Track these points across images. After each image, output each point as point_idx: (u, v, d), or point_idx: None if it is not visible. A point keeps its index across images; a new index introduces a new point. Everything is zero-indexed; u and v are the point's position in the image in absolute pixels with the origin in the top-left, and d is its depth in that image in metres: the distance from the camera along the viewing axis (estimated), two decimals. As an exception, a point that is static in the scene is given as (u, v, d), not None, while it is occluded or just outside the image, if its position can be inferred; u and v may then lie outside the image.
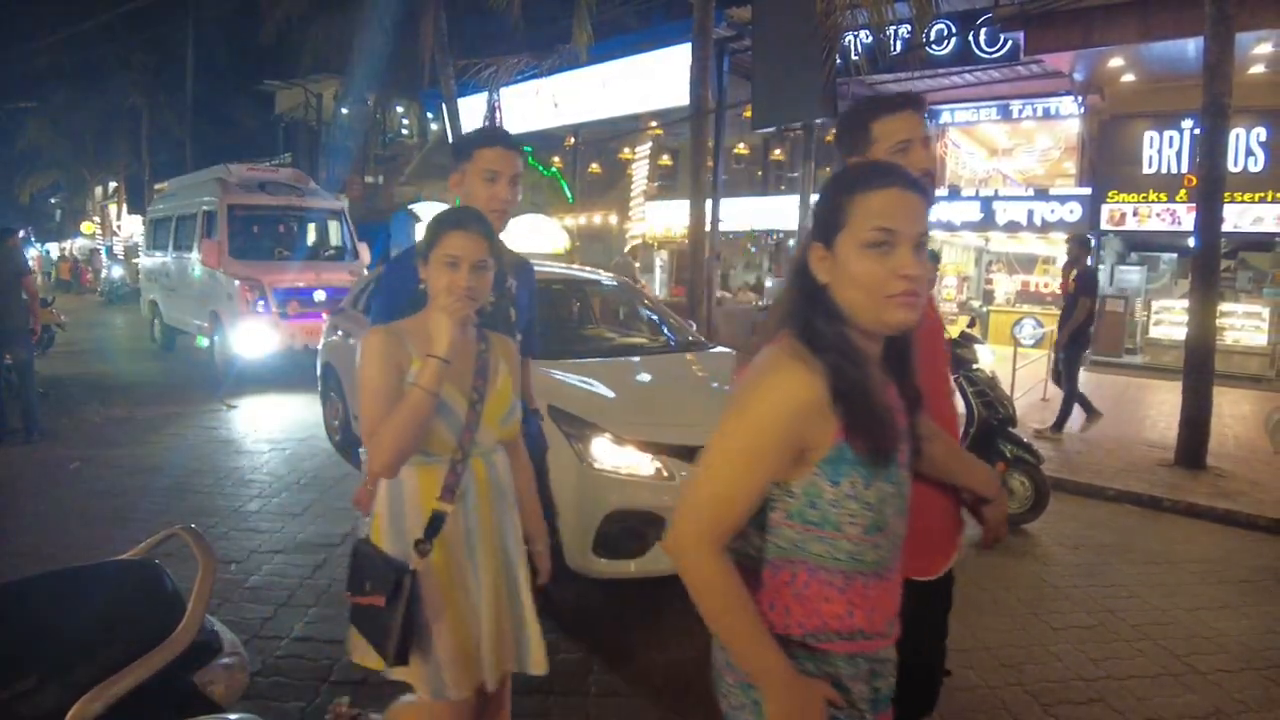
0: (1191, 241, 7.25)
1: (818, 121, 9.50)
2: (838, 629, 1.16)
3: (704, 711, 2.79)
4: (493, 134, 2.09)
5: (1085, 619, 3.64)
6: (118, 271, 23.00)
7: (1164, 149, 11.71)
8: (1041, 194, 12.75)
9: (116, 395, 8.25)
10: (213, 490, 5.13)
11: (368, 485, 1.84)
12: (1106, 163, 12.30)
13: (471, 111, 13.63)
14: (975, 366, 4.93)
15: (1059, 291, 8.15)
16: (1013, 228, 12.73)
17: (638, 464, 3.35)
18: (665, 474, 3.34)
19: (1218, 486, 5.73)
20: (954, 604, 1.78)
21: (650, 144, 16.33)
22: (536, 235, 11.57)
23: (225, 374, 8.66)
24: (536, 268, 2.50)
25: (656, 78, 12.58)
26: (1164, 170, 11.69)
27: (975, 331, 6.20)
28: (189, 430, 6.80)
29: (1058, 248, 12.39)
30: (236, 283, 8.75)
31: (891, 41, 10.05)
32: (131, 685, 1.36)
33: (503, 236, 2.02)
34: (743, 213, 15.55)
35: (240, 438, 6.61)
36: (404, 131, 22.65)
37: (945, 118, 13.98)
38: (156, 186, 21.36)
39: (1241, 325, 11.19)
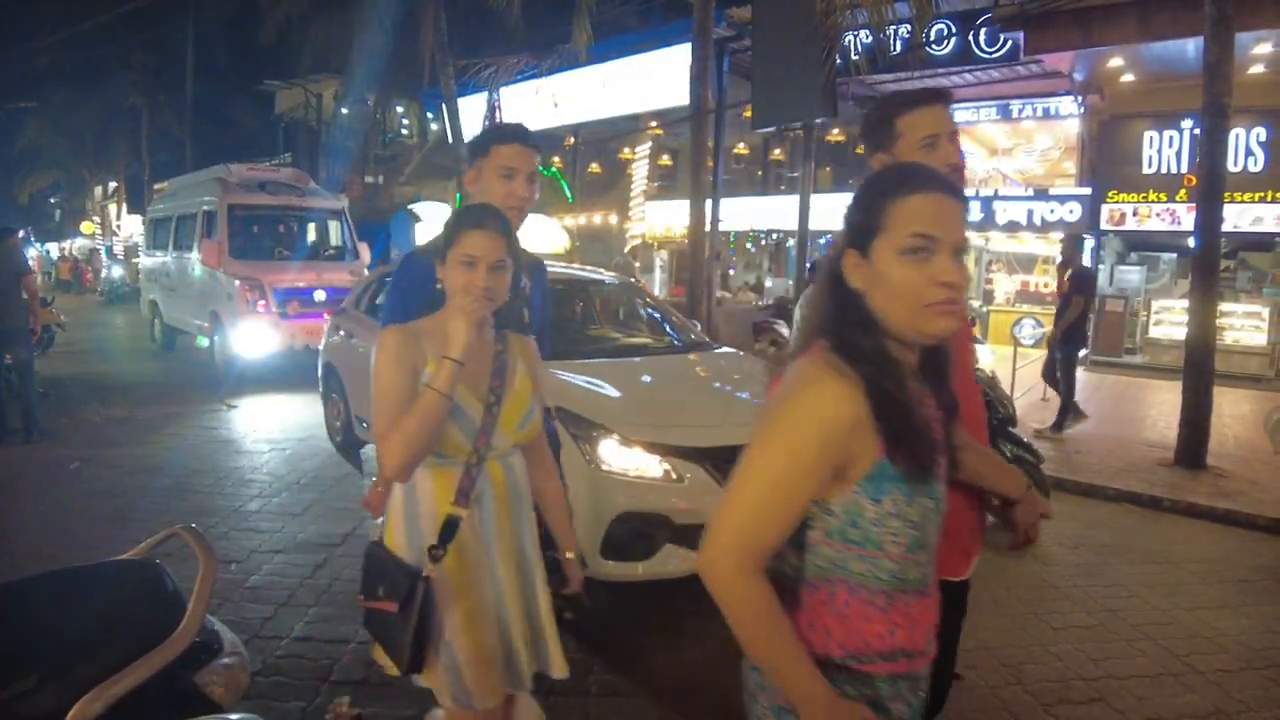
0: (1191, 241, 7.25)
1: (818, 121, 9.50)
2: (880, 649, 1.12)
3: (704, 712, 2.80)
4: (510, 130, 2.03)
5: (1085, 619, 3.64)
6: (118, 271, 23.01)
7: (1164, 149, 11.71)
8: (1041, 194, 12.75)
9: (116, 395, 8.25)
10: (213, 490, 5.13)
11: (378, 487, 1.81)
12: (1106, 163, 12.29)
13: (471, 111, 13.64)
14: (975, 366, 4.93)
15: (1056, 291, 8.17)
16: (1012, 227, 12.73)
17: (646, 466, 3.33)
18: (674, 476, 3.32)
19: (1218, 486, 5.73)
20: (954, 603, 1.78)
21: (650, 144, 16.34)
22: (536, 235, 11.57)
23: (225, 374, 8.66)
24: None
25: (656, 78, 12.58)
26: (1164, 170, 11.68)
27: (975, 331, 6.22)
28: (189, 430, 6.80)
29: (1057, 247, 12.39)
30: (237, 283, 8.75)
31: (891, 41, 10.04)
32: (132, 685, 1.36)
33: None
34: (743, 213, 15.55)
35: (240, 438, 6.61)
36: (404, 131, 22.65)
37: (945, 117, 13.95)
38: (156, 186, 21.36)
39: (1241, 325, 11.18)
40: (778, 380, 1.18)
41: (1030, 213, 12.51)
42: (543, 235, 11.89)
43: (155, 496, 4.96)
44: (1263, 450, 6.23)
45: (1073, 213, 12.22)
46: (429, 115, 20.17)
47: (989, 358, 6.28)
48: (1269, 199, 10.87)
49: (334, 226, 10.67)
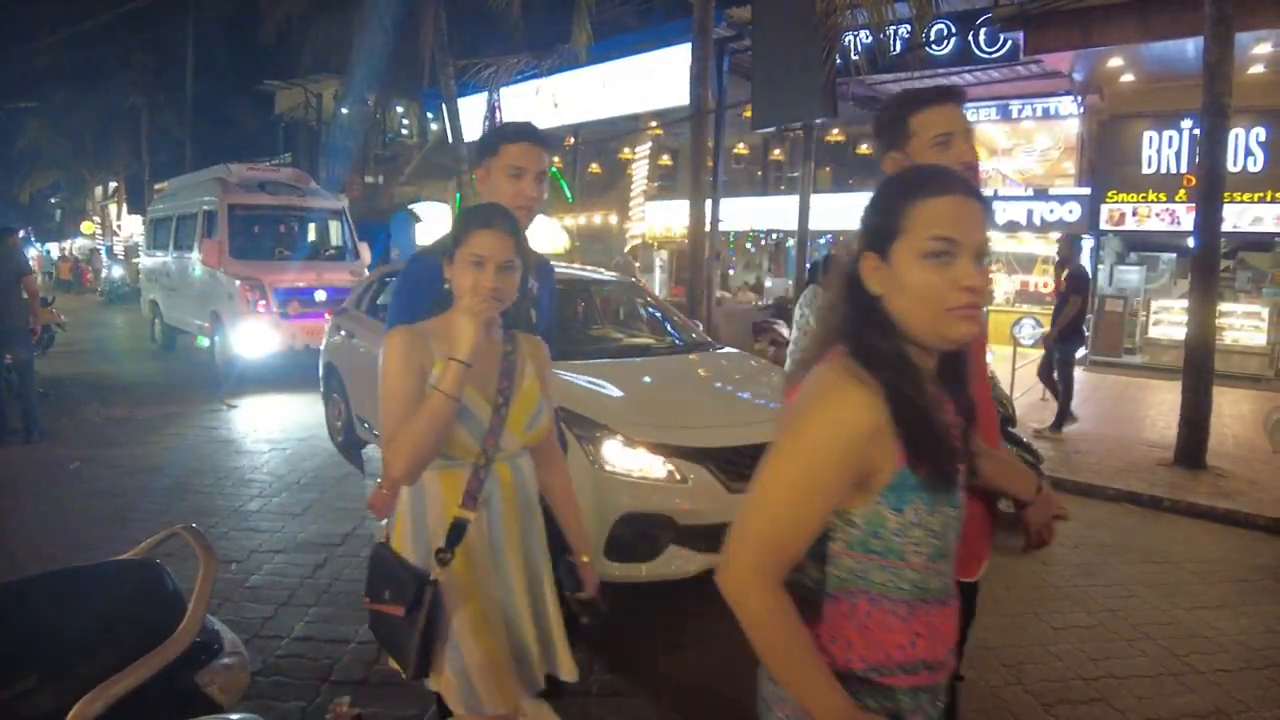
0: (1191, 241, 7.26)
1: (817, 122, 9.49)
2: (901, 661, 1.10)
3: (705, 712, 2.80)
4: (519, 129, 2.00)
5: (1085, 619, 3.64)
6: (118, 271, 23.01)
7: (1163, 149, 11.71)
8: (1041, 194, 12.75)
9: (117, 395, 8.25)
10: (213, 490, 5.13)
11: (383, 489, 1.80)
12: (1106, 163, 12.30)
13: (471, 111, 13.63)
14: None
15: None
16: (1012, 227, 12.73)
17: (649, 466, 3.32)
18: (677, 476, 3.31)
19: (1217, 486, 5.73)
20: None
21: (650, 144, 16.34)
22: (536, 235, 11.56)
23: (226, 374, 8.66)
24: None
25: (656, 78, 12.57)
26: (1163, 170, 11.68)
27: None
28: (189, 430, 6.80)
29: (1055, 247, 12.39)
30: (237, 283, 8.75)
31: (891, 41, 10.04)
32: (132, 685, 1.36)
33: None
34: (743, 213, 15.55)
35: (240, 438, 6.62)
36: (404, 131, 22.65)
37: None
38: (156, 186, 21.37)
39: (1241, 325, 11.18)
40: (795, 388, 1.16)
41: (1030, 213, 12.52)
42: (543, 235, 11.91)
43: (155, 496, 4.96)
44: (1262, 450, 6.23)
45: (1072, 213, 12.22)
46: (429, 115, 20.17)
47: (988, 357, 6.28)
48: (1268, 199, 10.88)
49: (334, 226, 10.67)
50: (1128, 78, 11.62)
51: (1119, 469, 6.12)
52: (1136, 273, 12.84)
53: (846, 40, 8.99)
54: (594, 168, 18.89)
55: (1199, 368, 6.31)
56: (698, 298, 8.95)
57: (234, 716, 1.54)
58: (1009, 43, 10.66)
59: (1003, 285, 15.00)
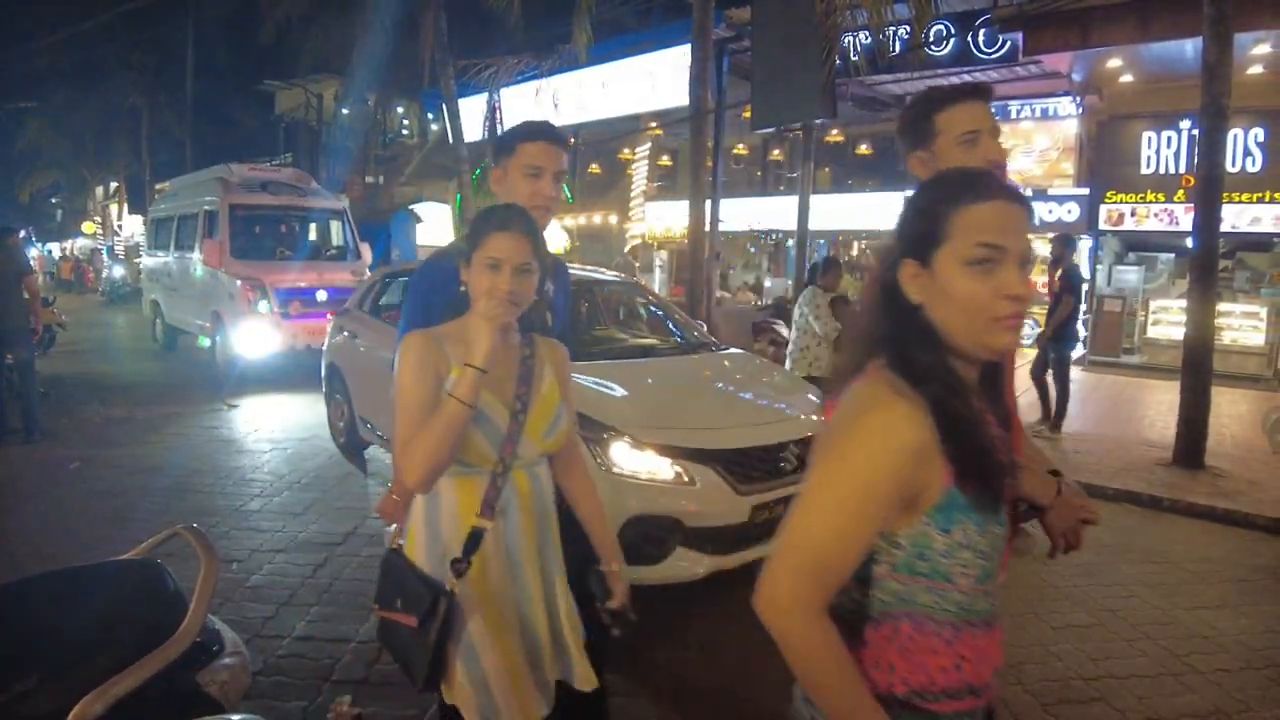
0: (1189, 241, 7.26)
1: (817, 122, 9.50)
2: (945, 685, 1.06)
3: (706, 713, 2.81)
4: (537, 128, 1.96)
5: (1085, 619, 3.64)
6: (119, 271, 23.01)
7: (1162, 149, 11.71)
8: (1040, 194, 12.74)
9: (117, 395, 8.26)
10: (214, 490, 5.13)
11: (394, 495, 1.77)
12: (1104, 163, 12.30)
13: (472, 112, 13.63)
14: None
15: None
16: (1012, 228, 12.73)
17: (657, 468, 3.30)
18: (685, 478, 3.29)
19: (1216, 486, 5.73)
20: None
21: (650, 144, 16.35)
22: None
23: (227, 374, 8.66)
24: None
25: (656, 78, 12.58)
26: (1162, 170, 11.69)
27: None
28: (190, 430, 6.80)
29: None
30: (238, 282, 8.75)
31: (891, 42, 10.03)
32: (133, 686, 1.36)
33: None
34: (742, 213, 15.56)
35: (241, 437, 6.62)
36: (404, 132, 22.64)
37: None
38: (157, 186, 21.38)
39: (1239, 325, 11.18)
40: (832, 404, 1.11)
41: (1029, 213, 12.51)
42: (543, 235, 11.90)
43: (156, 496, 4.96)
44: (1261, 450, 6.24)
45: (1071, 213, 12.23)
46: (429, 115, 20.17)
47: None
48: (1267, 199, 10.88)
49: (335, 226, 10.67)
50: (1127, 78, 11.62)
51: (1118, 469, 6.12)
52: (1135, 273, 12.84)
53: (846, 41, 9.00)
54: (594, 168, 18.89)
55: (1198, 368, 6.32)
56: (697, 298, 8.95)
57: (235, 717, 1.54)
58: (1008, 43, 10.66)
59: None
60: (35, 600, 1.62)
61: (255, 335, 8.66)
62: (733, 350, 4.93)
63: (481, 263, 1.56)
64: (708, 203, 9.40)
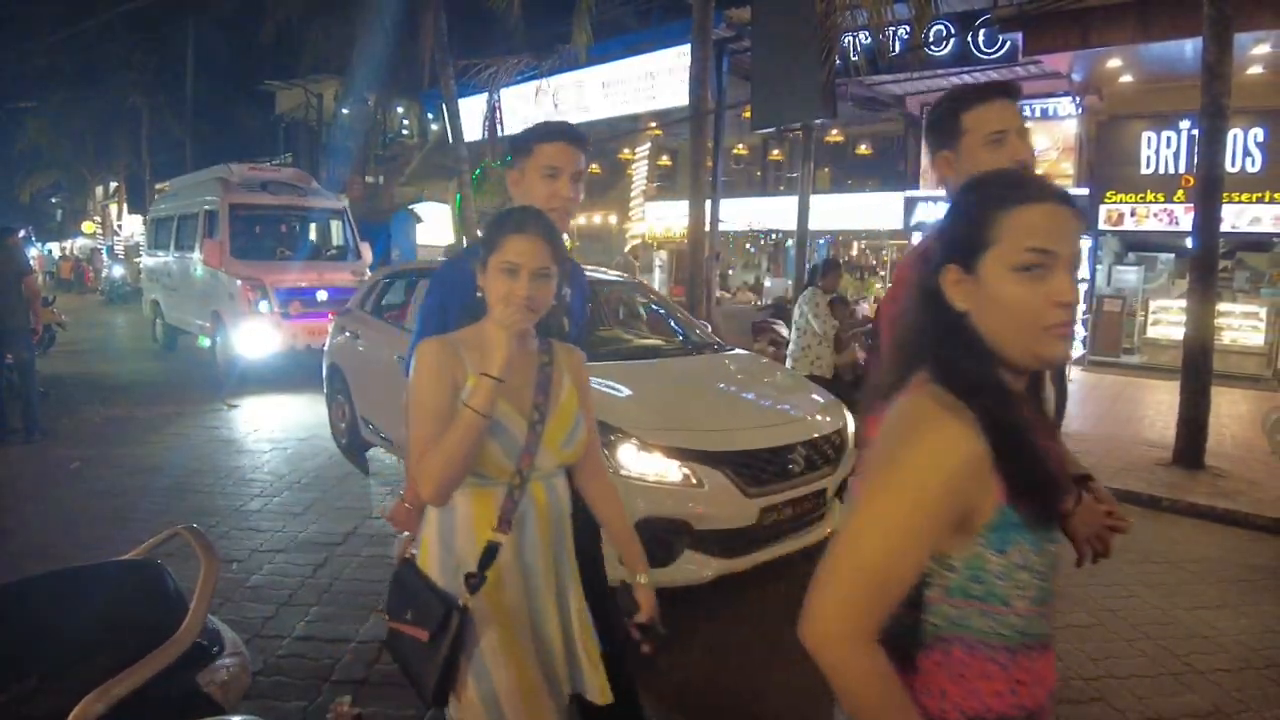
0: (1189, 242, 7.26)
1: (817, 122, 9.50)
2: (1000, 711, 1.02)
3: (706, 714, 2.81)
4: (554, 128, 1.92)
5: (1085, 618, 3.64)
6: (119, 271, 23.04)
7: (1162, 149, 11.72)
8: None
9: (117, 395, 8.26)
10: (214, 490, 5.13)
11: (406, 502, 1.74)
12: (1104, 163, 12.30)
13: (471, 112, 13.64)
14: None
15: None
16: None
17: (665, 470, 3.28)
18: (693, 481, 3.28)
19: (1216, 486, 5.73)
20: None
21: (650, 144, 16.35)
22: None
23: (227, 374, 8.66)
24: None
25: (656, 78, 12.59)
26: (1162, 171, 11.69)
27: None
28: (190, 430, 6.80)
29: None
30: (238, 282, 8.75)
31: (891, 42, 10.04)
32: (134, 686, 1.37)
33: None
34: (742, 213, 15.57)
35: (241, 437, 6.62)
36: (404, 132, 22.65)
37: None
38: (157, 186, 21.37)
39: (1239, 325, 11.19)
40: (875, 420, 1.06)
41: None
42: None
43: (156, 496, 4.96)
44: (1261, 450, 6.24)
45: (1071, 213, 12.22)
46: (429, 115, 20.19)
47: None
48: (1267, 199, 10.89)
49: (335, 226, 10.67)
50: (1126, 78, 11.63)
51: (1118, 469, 6.12)
52: (1135, 273, 12.84)
53: (846, 41, 9.00)
54: (594, 168, 18.88)
55: (1197, 368, 6.32)
56: (697, 298, 8.96)
57: (235, 717, 1.54)
58: (1008, 43, 10.67)
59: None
60: (36, 600, 1.62)
61: (255, 335, 8.67)
62: (738, 351, 4.92)
63: (498, 267, 1.51)
64: (708, 203, 9.41)
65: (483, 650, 1.53)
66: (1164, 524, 5.20)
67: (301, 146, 24.58)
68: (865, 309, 11.00)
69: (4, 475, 5.48)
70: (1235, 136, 10.60)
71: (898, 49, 10.31)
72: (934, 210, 13.35)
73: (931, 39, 10.15)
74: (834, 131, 15.31)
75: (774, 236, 17.09)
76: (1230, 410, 8.51)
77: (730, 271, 18.10)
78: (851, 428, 4.00)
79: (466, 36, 14.13)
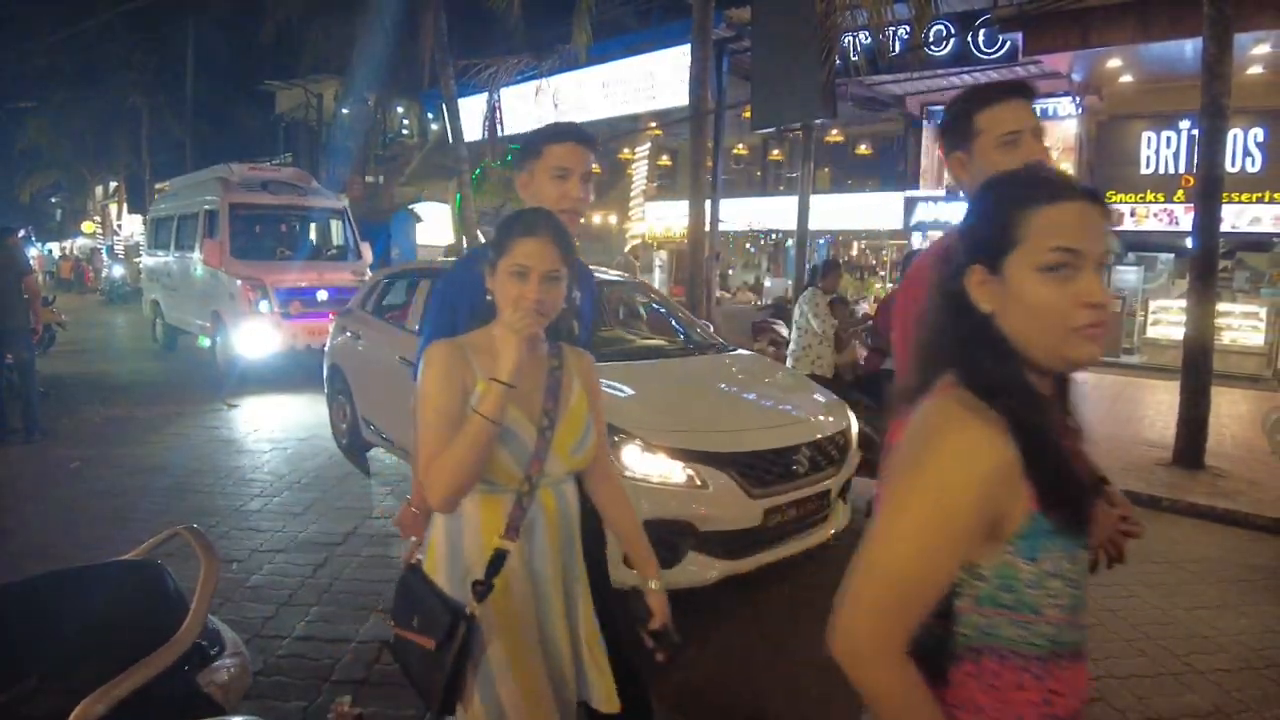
0: (1189, 242, 7.26)
1: (817, 122, 9.50)
2: None
3: (707, 714, 2.80)
4: (563, 129, 1.91)
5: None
6: (119, 271, 23.04)
7: (1161, 149, 11.74)
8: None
9: (117, 395, 8.26)
10: (214, 490, 5.13)
11: (412, 507, 1.73)
12: (1104, 163, 12.32)
13: (471, 112, 13.64)
14: None
15: None
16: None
17: (669, 471, 3.27)
18: (698, 482, 3.27)
19: (1216, 486, 5.73)
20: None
21: (650, 144, 16.35)
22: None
23: (227, 374, 8.66)
24: None
25: (656, 78, 12.60)
26: (1161, 170, 11.72)
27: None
28: (190, 430, 6.80)
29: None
30: (238, 282, 8.75)
31: (891, 42, 10.05)
32: (134, 686, 1.36)
33: None
34: (742, 213, 15.57)
35: (242, 437, 6.62)
36: (404, 132, 22.66)
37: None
38: (157, 186, 21.37)
39: (1239, 325, 11.20)
40: (899, 425, 1.04)
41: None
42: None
43: (156, 496, 4.96)
44: (1261, 450, 6.23)
45: (1071, 213, 12.23)
46: (429, 115, 20.18)
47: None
48: (1266, 199, 10.90)
49: (336, 226, 10.67)
50: (1126, 78, 11.64)
51: (1117, 469, 6.11)
52: (1135, 273, 12.86)
53: (846, 41, 9.01)
54: (594, 168, 18.89)
55: (1197, 368, 6.32)
56: (697, 298, 8.96)
57: (235, 718, 1.54)
58: (1008, 43, 10.68)
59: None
60: (36, 601, 1.62)
61: (255, 335, 8.66)
62: (740, 351, 4.91)
63: (507, 271, 1.48)
64: (707, 203, 9.41)
65: (489, 659, 1.51)
66: (1164, 524, 5.19)
67: (301, 146, 24.59)
68: (865, 309, 11.00)
69: (4, 475, 5.48)
70: (1235, 136, 10.62)
71: (898, 49, 10.31)
72: (934, 210, 13.37)
73: (931, 39, 10.16)
74: (834, 131, 15.33)
75: (774, 236, 17.10)
76: (1230, 410, 8.51)
77: (730, 271, 18.11)
78: (855, 428, 4.01)
79: (466, 36, 14.14)
